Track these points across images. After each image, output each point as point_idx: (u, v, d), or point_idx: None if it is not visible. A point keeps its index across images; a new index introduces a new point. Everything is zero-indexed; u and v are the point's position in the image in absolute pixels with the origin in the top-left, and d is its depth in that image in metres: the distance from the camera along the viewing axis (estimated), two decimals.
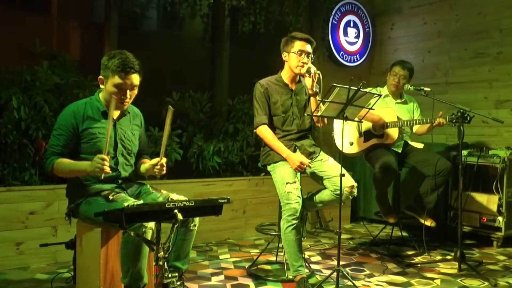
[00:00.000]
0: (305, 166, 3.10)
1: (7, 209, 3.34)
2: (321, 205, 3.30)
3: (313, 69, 3.13)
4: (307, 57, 3.19)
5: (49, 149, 2.50)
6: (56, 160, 2.46)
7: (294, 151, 3.22)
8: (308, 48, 3.21)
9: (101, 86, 2.57)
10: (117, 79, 2.47)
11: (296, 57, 3.19)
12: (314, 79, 3.12)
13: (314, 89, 3.16)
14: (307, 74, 3.15)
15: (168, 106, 2.45)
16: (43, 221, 3.48)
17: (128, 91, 2.52)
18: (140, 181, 2.80)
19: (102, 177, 2.38)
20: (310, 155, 3.25)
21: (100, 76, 2.54)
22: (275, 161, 3.20)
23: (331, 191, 3.14)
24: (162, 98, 4.83)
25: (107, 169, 2.33)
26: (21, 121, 3.62)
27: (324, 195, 3.22)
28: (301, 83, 3.36)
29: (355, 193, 3.15)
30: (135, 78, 2.52)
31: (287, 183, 3.07)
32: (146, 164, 2.68)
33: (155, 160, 2.59)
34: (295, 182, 3.08)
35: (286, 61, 3.27)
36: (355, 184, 3.14)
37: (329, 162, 3.22)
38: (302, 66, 3.18)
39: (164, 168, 2.57)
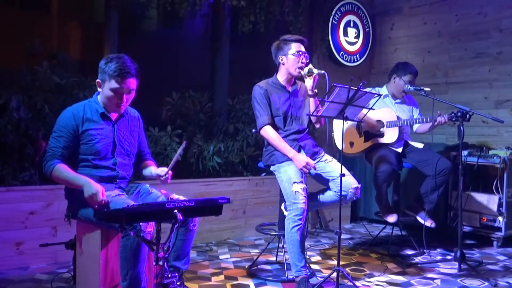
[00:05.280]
0: (310, 167, 3.10)
1: (7, 209, 3.34)
2: (324, 205, 3.31)
3: (316, 70, 3.15)
4: (304, 57, 3.21)
5: (49, 151, 2.49)
6: (56, 165, 2.45)
7: (299, 151, 3.22)
8: (303, 47, 3.25)
9: (99, 89, 2.58)
10: (113, 84, 2.48)
11: (296, 58, 3.20)
12: (314, 80, 3.12)
13: (315, 90, 3.16)
14: (307, 76, 3.15)
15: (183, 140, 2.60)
16: (43, 221, 3.48)
17: (124, 95, 2.52)
18: (140, 181, 2.80)
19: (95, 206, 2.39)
20: (314, 155, 3.26)
21: (98, 80, 2.55)
22: (280, 161, 3.19)
23: (335, 192, 3.14)
24: (162, 98, 4.83)
25: (99, 202, 2.35)
26: (21, 121, 3.62)
27: (327, 196, 3.23)
28: (296, 84, 3.37)
29: (358, 195, 3.16)
30: (132, 83, 2.52)
31: (294, 182, 3.07)
32: (153, 171, 2.71)
33: (161, 171, 2.63)
34: (301, 181, 3.09)
35: (283, 64, 3.26)
36: (359, 185, 3.16)
37: (333, 162, 3.24)
38: (302, 68, 3.20)
39: (169, 180, 2.64)
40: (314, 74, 3.17)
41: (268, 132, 3.21)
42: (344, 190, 3.08)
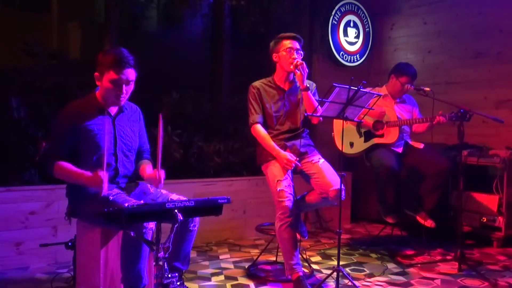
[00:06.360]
0: (292, 164, 3.10)
1: (7, 209, 3.34)
2: (311, 206, 3.32)
3: (296, 59, 3.15)
4: (297, 53, 3.21)
5: (50, 149, 2.51)
6: (57, 164, 2.46)
7: (284, 150, 3.23)
8: (296, 45, 3.24)
9: (97, 83, 2.57)
10: (112, 75, 2.48)
11: (286, 55, 3.21)
12: (302, 72, 3.11)
13: (305, 84, 3.14)
14: (296, 70, 3.15)
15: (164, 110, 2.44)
16: (43, 221, 3.48)
17: (123, 86, 2.51)
18: (139, 180, 2.80)
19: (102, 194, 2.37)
20: (300, 155, 3.25)
21: (96, 73, 2.54)
22: (267, 160, 3.22)
23: (318, 193, 3.14)
24: (162, 98, 4.82)
25: (105, 188, 2.33)
26: (21, 121, 3.62)
27: (312, 197, 3.23)
28: (295, 83, 3.36)
29: (342, 197, 3.02)
30: (131, 73, 2.52)
31: (277, 180, 3.09)
32: (145, 174, 2.67)
33: (152, 174, 2.56)
34: (286, 179, 3.09)
35: (277, 62, 3.29)
36: (338, 187, 3.02)
37: (319, 163, 3.21)
38: (293, 63, 3.18)
39: (162, 181, 2.54)
40: (297, 65, 3.14)
41: (256, 130, 3.24)
42: (324, 192, 3.07)
